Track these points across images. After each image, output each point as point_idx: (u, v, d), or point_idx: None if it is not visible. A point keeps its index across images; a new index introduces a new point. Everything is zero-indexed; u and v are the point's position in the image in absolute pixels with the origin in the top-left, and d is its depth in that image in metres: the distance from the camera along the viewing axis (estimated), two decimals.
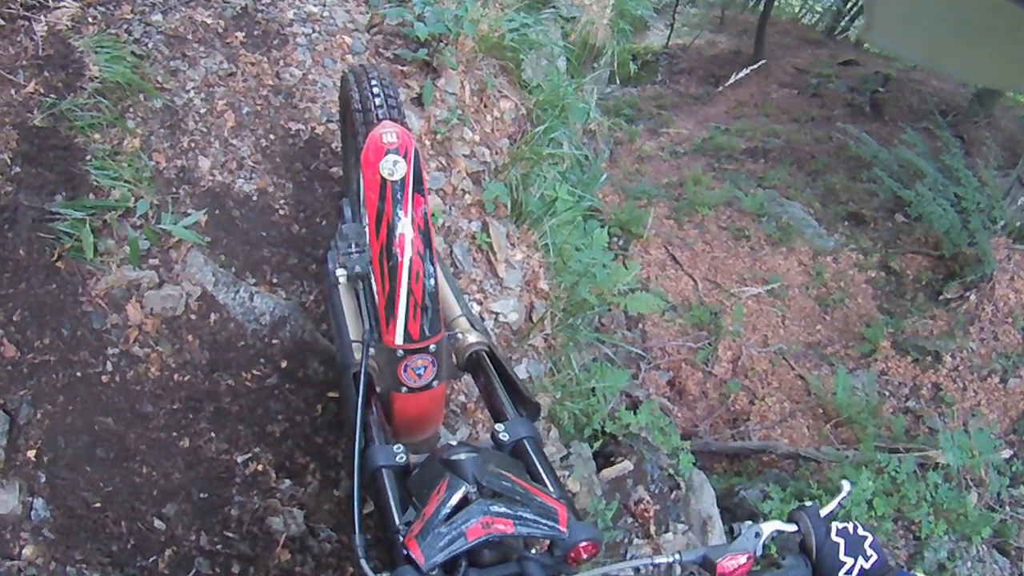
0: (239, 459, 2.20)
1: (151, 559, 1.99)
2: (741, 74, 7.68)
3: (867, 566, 1.14)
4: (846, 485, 1.30)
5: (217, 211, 2.44)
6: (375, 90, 1.95)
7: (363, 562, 1.15)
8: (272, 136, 2.69)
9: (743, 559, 1.13)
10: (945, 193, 6.35)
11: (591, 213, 3.68)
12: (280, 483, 2.23)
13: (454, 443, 1.36)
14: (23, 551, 1.86)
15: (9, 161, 2.09)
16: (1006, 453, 5.08)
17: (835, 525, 1.19)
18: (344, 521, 2.29)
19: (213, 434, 2.19)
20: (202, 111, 2.60)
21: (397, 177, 1.50)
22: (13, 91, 2.20)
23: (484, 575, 1.14)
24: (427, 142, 2.95)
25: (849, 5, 11.17)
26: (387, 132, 1.51)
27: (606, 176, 4.63)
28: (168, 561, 2.01)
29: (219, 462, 2.17)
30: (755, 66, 8.42)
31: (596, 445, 3.31)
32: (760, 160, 8.20)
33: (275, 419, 2.29)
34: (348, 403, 1.62)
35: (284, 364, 2.35)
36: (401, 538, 1.16)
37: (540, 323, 2.83)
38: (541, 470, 1.41)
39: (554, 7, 4.08)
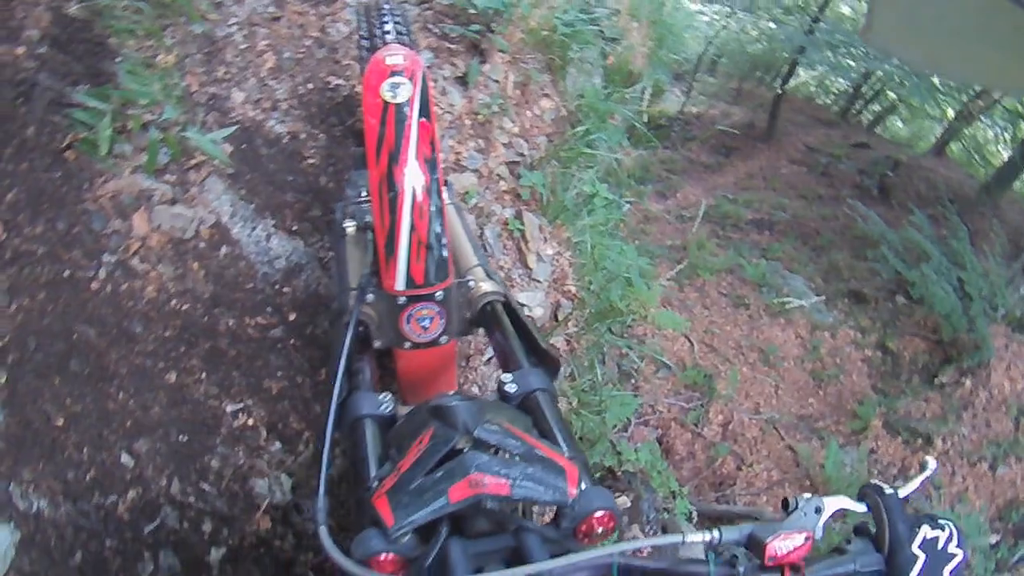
0: (228, 408, 1.95)
1: (111, 498, 1.71)
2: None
3: None
4: (931, 462, 1.03)
5: (244, 145, 2.26)
6: (385, 17, 1.78)
7: (322, 529, 0.91)
8: (310, 85, 2.55)
9: (800, 539, 0.87)
10: (948, 277, 6.35)
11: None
12: (270, 444, 1.99)
13: (449, 393, 1.14)
14: None
15: (36, 39, 1.91)
16: (992, 539, 4.95)
17: (925, 530, 0.93)
18: (333, 503, 2.04)
19: (204, 375, 1.95)
20: (242, 47, 2.46)
21: (401, 100, 1.31)
22: None
23: (469, 547, 0.88)
24: (467, 121, 2.83)
25: (865, 88, 11.41)
26: (391, 54, 1.33)
27: (629, 205, 4.52)
28: (131, 504, 1.73)
29: (206, 407, 1.92)
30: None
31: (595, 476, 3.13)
32: (765, 232, 8.20)
33: (274, 374, 2.06)
34: (333, 354, 1.36)
35: (293, 316, 2.13)
36: (369, 495, 0.93)
37: (564, 323, 2.64)
38: (553, 426, 1.15)
39: (599, 27, 4.03)
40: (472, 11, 2.88)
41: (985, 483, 5.41)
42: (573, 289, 2.79)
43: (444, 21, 3.02)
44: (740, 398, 6.08)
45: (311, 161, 2.40)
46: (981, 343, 5.89)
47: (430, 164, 1.35)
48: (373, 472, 1.02)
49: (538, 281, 2.68)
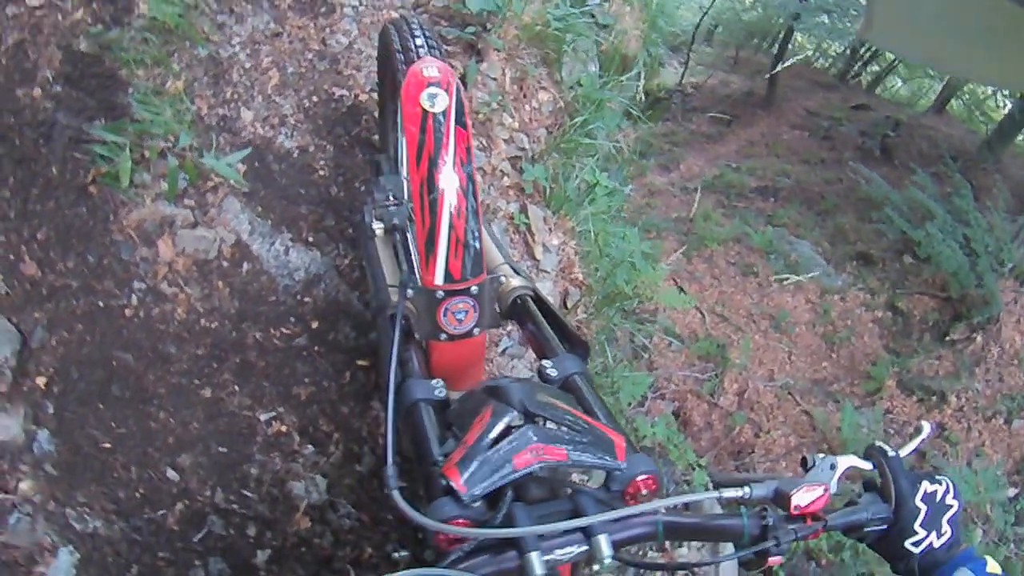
0: (262, 417, 2.07)
1: (160, 512, 1.84)
2: (785, 64, 7.66)
3: (937, 544, 1.03)
4: (926, 426, 1.18)
5: (256, 163, 2.35)
6: (415, 32, 1.87)
7: (395, 493, 1.00)
8: (315, 98, 2.62)
9: (819, 491, 1.00)
10: (954, 235, 6.36)
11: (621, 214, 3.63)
12: (303, 448, 2.10)
13: (498, 376, 1.24)
14: (20, 484, 1.71)
15: (51, 79, 2.00)
16: (1011, 492, 5.04)
17: (925, 485, 1.06)
18: (365, 498, 2.16)
19: (236, 387, 2.06)
20: (247, 66, 2.52)
21: (438, 109, 1.40)
22: (60, 16, 2.12)
23: (532, 510, 0.99)
24: (465, 99, 2.89)
25: (862, 51, 11.33)
26: (428, 66, 1.42)
27: (631, 188, 4.58)
28: (179, 516, 1.86)
29: (241, 417, 2.04)
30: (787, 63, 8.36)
31: None
32: (770, 199, 8.21)
33: (301, 381, 2.17)
34: (383, 346, 1.48)
35: (315, 324, 2.23)
36: (439, 468, 1.02)
37: (574, 310, 2.73)
38: (594, 405, 1.26)
39: (591, 13, 4.06)
40: (466, 12, 2.93)
41: (1001, 437, 5.47)
42: (580, 276, 2.87)
43: (440, 23, 3.07)
44: (754, 366, 6.14)
45: (321, 173, 2.48)
46: (990, 298, 5.93)
47: (466, 168, 1.45)
48: (435, 449, 1.12)
49: (546, 271, 2.76)
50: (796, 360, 6.32)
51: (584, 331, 2.83)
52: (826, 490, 1.01)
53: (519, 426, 1.05)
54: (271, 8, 2.71)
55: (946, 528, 1.04)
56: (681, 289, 6.65)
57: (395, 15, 3.00)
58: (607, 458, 1.04)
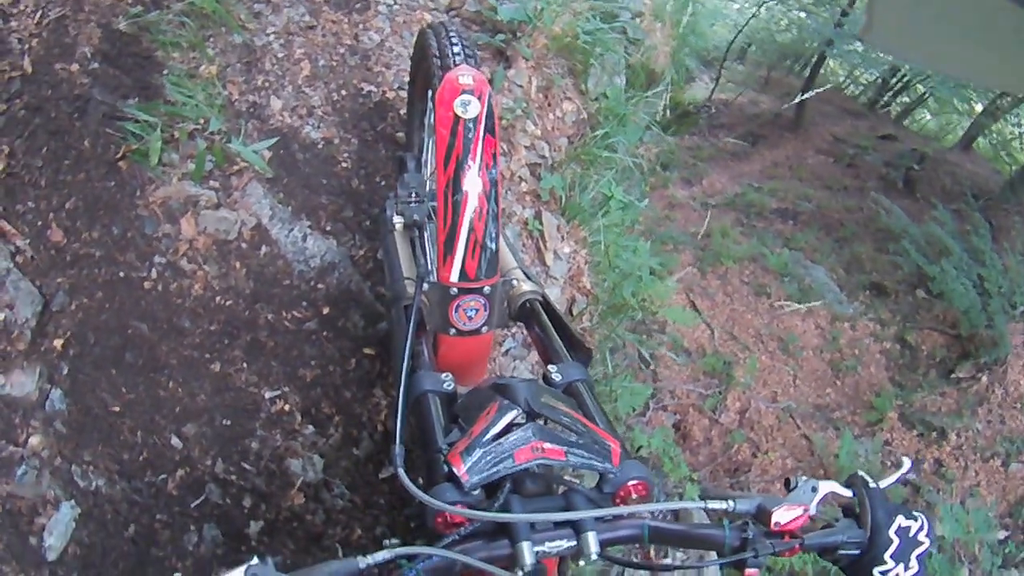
0: (267, 395, 2.15)
1: (161, 476, 1.93)
2: (795, 101, 7.69)
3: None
4: (907, 461, 1.20)
5: (282, 151, 2.43)
6: (453, 39, 1.95)
7: (401, 471, 1.07)
8: (344, 92, 2.70)
9: (799, 511, 1.06)
10: (969, 273, 6.34)
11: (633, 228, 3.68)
12: (304, 428, 2.18)
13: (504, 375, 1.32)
14: (30, 439, 1.80)
15: (89, 56, 2.09)
16: (1001, 534, 5.00)
17: (900, 519, 1.09)
18: (360, 481, 2.23)
19: (245, 364, 2.14)
20: (279, 55, 2.61)
21: (470, 116, 1.48)
22: None
23: (527, 503, 1.06)
24: (497, 109, 2.96)
25: (893, 81, 11.28)
26: (463, 74, 1.51)
27: (647, 202, 4.63)
28: (179, 481, 1.95)
29: (247, 393, 2.12)
30: (805, 95, 8.38)
31: None
32: (789, 221, 8.21)
33: (308, 364, 2.25)
34: (397, 335, 1.57)
35: (326, 311, 2.31)
36: (443, 456, 1.10)
37: (579, 317, 2.80)
38: (594, 412, 1.33)
39: (622, 27, 4.12)
40: (498, 19, 3.00)
41: (997, 479, 5.45)
42: (588, 285, 2.93)
43: (471, 28, 3.14)
44: (758, 386, 6.16)
45: (344, 165, 2.56)
46: (999, 340, 5.91)
47: (491, 174, 1.53)
48: (440, 438, 1.19)
49: (555, 278, 2.83)
50: (800, 384, 6.33)
51: (588, 339, 2.90)
52: (806, 510, 1.07)
53: (522, 423, 1.12)
54: (307, 1, 2.80)
55: (914, 564, 1.08)
56: (694, 305, 6.71)
57: (429, 17, 3.08)
58: (602, 461, 1.11)
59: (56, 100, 2.08)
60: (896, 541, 1.09)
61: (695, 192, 8.87)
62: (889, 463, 5.66)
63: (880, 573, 1.08)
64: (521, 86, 3.14)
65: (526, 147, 3.03)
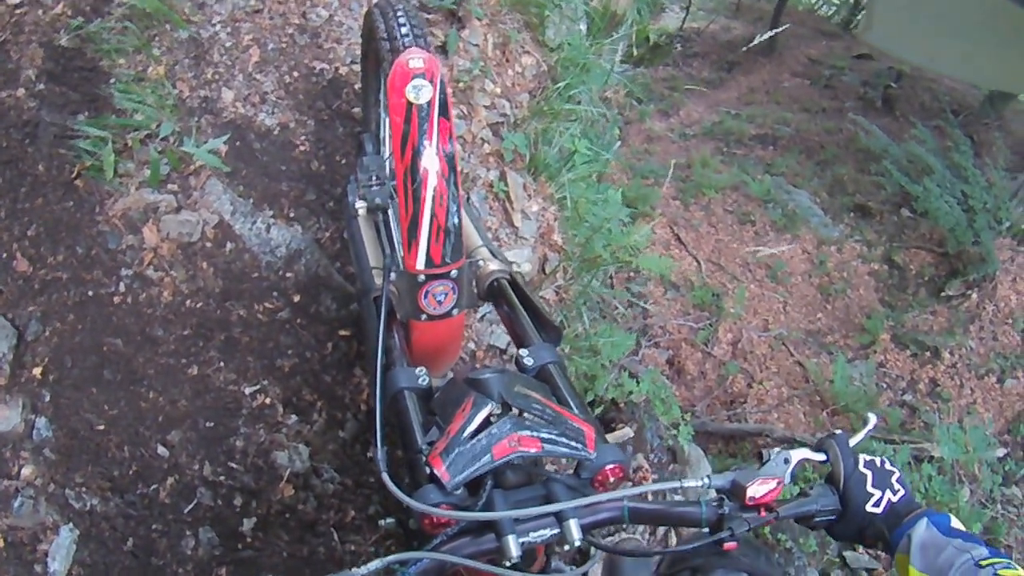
0: (247, 391, 2.17)
1: (152, 486, 1.97)
2: (760, 39, 7.57)
3: (895, 499, 1.12)
4: (872, 418, 1.26)
5: (238, 143, 2.40)
6: (401, 19, 1.90)
7: (385, 475, 1.10)
8: (296, 74, 2.64)
9: (773, 483, 1.10)
10: (952, 191, 6.32)
11: (600, 178, 3.66)
12: (287, 418, 2.21)
13: (478, 367, 1.33)
14: (22, 470, 1.84)
15: (34, 78, 2.06)
16: (1000, 452, 5.10)
17: (863, 457, 1.16)
18: (348, 463, 2.27)
19: (222, 364, 2.16)
20: (227, 44, 2.55)
21: (423, 100, 1.47)
22: (41, 11, 2.17)
23: (509, 496, 1.09)
24: (449, 90, 2.91)
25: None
26: (414, 57, 1.49)
27: (619, 144, 4.59)
28: (170, 489, 1.98)
29: (227, 392, 2.14)
30: (772, 32, 8.24)
31: (598, 411, 3.30)
32: (769, 147, 8.14)
33: (285, 354, 2.26)
34: (368, 328, 1.60)
35: (297, 298, 2.31)
36: (424, 457, 1.12)
37: (553, 275, 2.80)
38: (567, 394, 1.37)
39: None
40: None
41: (993, 396, 5.55)
42: (560, 242, 2.93)
43: None
44: (748, 316, 6.21)
45: (302, 148, 2.53)
46: (986, 256, 5.94)
47: (449, 158, 1.53)
48: (419, 437, 1.22)
49: (525, 238, 2.82)
50: (791, 310, 6.37)
51: (563, 296, 2.91)
52: (779, 483, 1.11)
53: (498, 417, 1.15)
54: None
55: (898, 487, 1.14)
56: (679, 239, 6.69)
57: None
58: (578, 448, 1.15)
59: (6, 129, 2.06)
60: (869, 473, 1.14)
61: (673, 124, 8.77)
62: (885, 385, 5.75)
63: (873, 506, 1.12)
64: (477, 45, 3.08)
65: (486, 107, 2.98)
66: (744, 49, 7.23)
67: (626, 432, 3.34)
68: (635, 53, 5.31)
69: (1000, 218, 6.19)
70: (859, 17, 11.18)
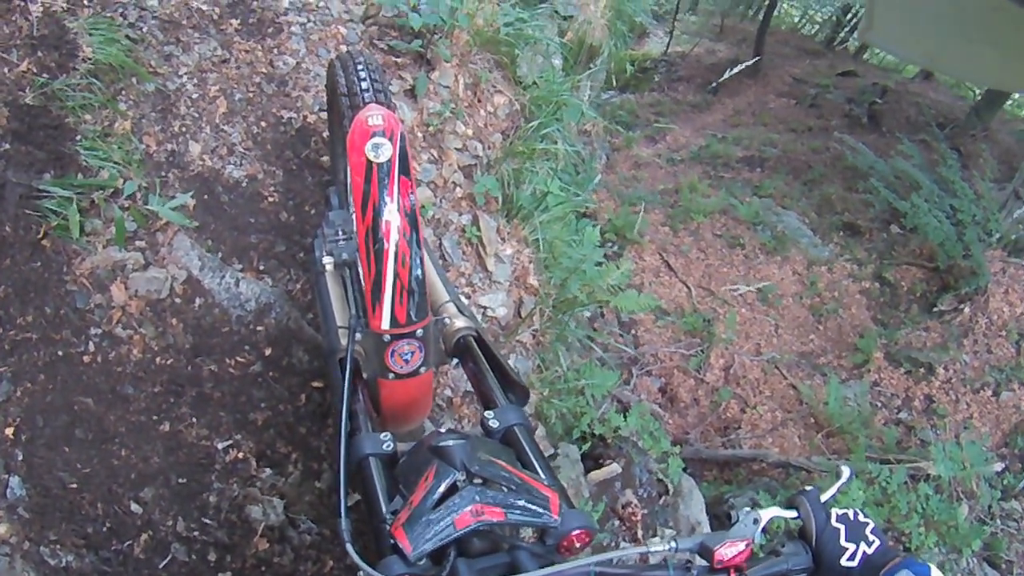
0: (219, 446, 2.17)
1: (126, 543, 1.96)
2: (736, 70, 7.66)
3: (870, 551, 1.11)
4: (846, 471, 1.25)
5: (206, 196, 2.42)
6: (361, 74, 1.92)
7: (349, 547, 1.10)
8: (264, 123, 2.67)
9: (741, 546, 1.08)
10: (941, 205, 6.34)
11: (583, 213, 3.67)
12: (261, 472, 2.20)
13: (443, 431, 1.34)
14: None
15: None
16: (998, 466, 5.04)
17: (835, 511, 1.15)
18: (325, 513, 2.26)
19: (194, 419, 2.16)
20: (194, 96, 2.58)
21: (383, 159, 1.49)
22: (6, 69, 2.18)
23: (473, 565, 1.09)
24: (419, 134, 2.94)
25: (849, 16, 11.16)
26: (373, 115, 1.50)
27: (600, 178, 4.62)
28: (144, 546, 1.97)
29: (199, 448, 2.14)
30: (750, 62, 8.37)
31: (584, 447, 3.29)
32: (756, 169, 8.19)
33: (258, 407, 2.26)
34: (334, 389, 1.60)
35: (268, 351, 2.32)
36: (388, 527, 1.12)
37: (529, 319, 2.81)
38: (532, 457, 1.38)
39: (551, 4, 4.07)
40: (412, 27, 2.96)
41: (989, 409, 5.51)
42: (535, 284, 2.94)
43: (389, 35, 3.10)
44: (740, 340, 6.19)
45: (271, 199, 2.55)
46: (977, 269, 5.94)
47: (410, 217, 1.54)
48: (384, 506, 1.22)
49: (499, 282, 2.83)
50: (783, 333, 6.36)
51: (540, 339, 2.91)
52: (748, 544, 1.09)
53: (462, 485, 1.15)
54: (218, 33, 2.76)
55: (873, 538, 1.12)
56: (668, 266, 6.70)
57: (344, 31, 3.03)
58: (542, 515, 1.15)
59: None
60: (842, 527, 1.13)
61: (660, 148, 8.84)
62: (879, 404, 5.71)
63: (848, 560, 1.11)
64: (447, 87, 3.10)
65: (458, 149, 3.01)
66: (727, 75, 7.27)
67: (614, 468, 3.31)
68: (615, 82, 5.36)
69: (990, 230, 6.19)
70: (841, 34, 11.31)
